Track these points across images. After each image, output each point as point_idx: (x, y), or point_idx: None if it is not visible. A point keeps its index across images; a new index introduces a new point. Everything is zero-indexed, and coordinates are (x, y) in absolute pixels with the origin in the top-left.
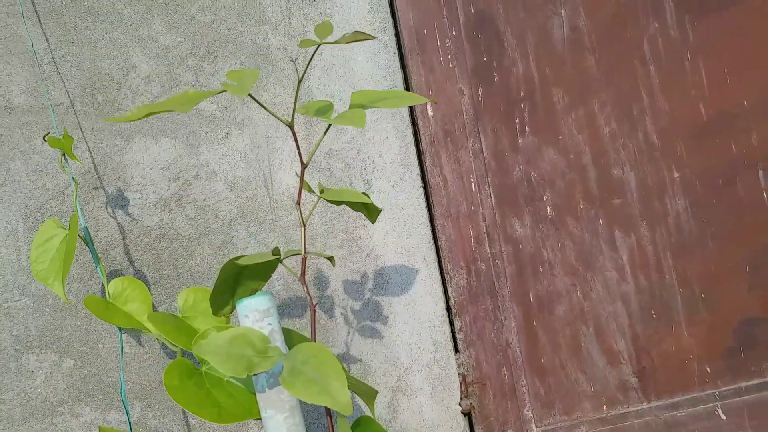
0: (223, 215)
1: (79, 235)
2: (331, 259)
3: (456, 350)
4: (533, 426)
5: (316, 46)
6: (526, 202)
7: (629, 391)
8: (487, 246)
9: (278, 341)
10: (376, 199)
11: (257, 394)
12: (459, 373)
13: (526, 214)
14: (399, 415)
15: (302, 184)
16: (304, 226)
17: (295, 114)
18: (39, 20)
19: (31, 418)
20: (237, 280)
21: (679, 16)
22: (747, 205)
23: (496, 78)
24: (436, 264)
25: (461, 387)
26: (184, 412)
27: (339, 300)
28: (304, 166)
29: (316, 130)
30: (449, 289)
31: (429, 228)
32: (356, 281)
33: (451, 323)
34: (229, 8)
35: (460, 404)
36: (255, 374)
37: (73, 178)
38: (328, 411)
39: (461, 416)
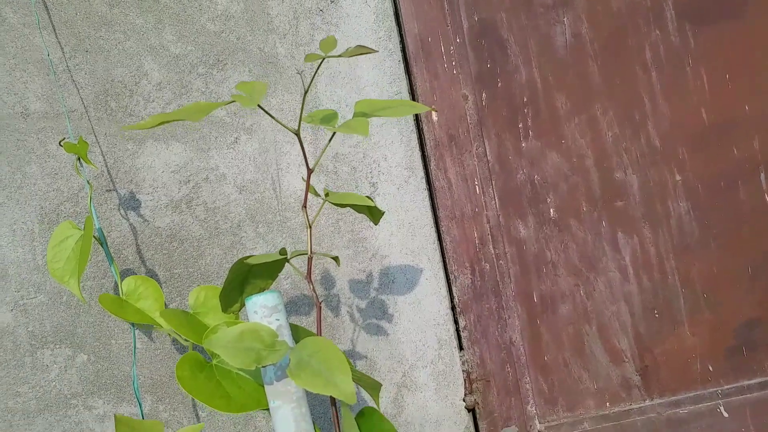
0: (232, 217)
1: (93, 236)
2: (336, 259)
3: (460, 348)
4: (536, 422)
5: (321, 59)
6: (529, 205)
7: (632, 388)
8: (491, 247)
9: (286, 336)
10: (381, 202)
11: (265, 386)
12: (463, 370)
13: (530, 216)
14: (404, 410)
15: (308, 188)
16: (310, 227)
17: (302, 122)
18: (54, 30)
19: (46, 410)
20: (246, 278)
21: (680, 23)
22: (748, 208)
23: (499, 84)
24: (440, 264)
25: (465, 383)
26: (194, 406)
27: (345, 299)
28: (310, 171)
29: (323, 135)
30: (454, 289)
31: (434, 229)
32: (362, 280)
33: (456, 322)
34: (238, 18)
35: (464, 400)
36: (263, 366)
37: (88, 181)
38: (333, 402)
39: (465, 412)
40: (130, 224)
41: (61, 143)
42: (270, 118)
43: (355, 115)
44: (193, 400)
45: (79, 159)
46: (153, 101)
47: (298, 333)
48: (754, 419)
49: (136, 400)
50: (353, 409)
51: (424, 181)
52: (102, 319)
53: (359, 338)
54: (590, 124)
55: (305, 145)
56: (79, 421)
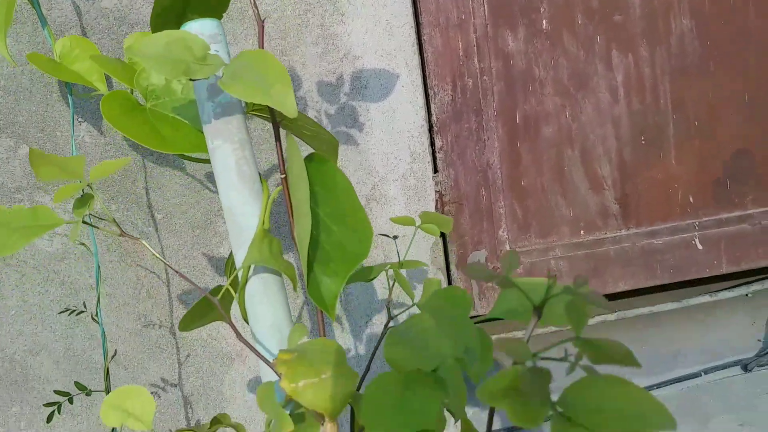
0: None
1: None
2: None
3: (435, 170)
4: (507, 247)
5: None
6: (521, 13)
7: (609, 217)
8: (476, 60)
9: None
10: None
11: (204, 127)
12: (436, 191)
13: (521, 27)
14: (372, 222)
15: None
16: None
17: None
18: None
19: None
20: (183, 13)
21: None
22: (757, 31)
23: None
24: (418, 71)
25: (437, 205)
26: (149, 206)
27: (312, 103)
28: None
29: None
30: (432, 106)
31: (413, 30)
32: (331, 83)
33: (432, 143)
34: None
35: None
36: (194, 80)
37: None
38: (276, 129)
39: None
40: (73, 2)
41: None
42: None
43: None
44: (148, 199)
45: None
46: None
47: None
48: (727, 252)
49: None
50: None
51: None
52: (45, 109)
53: None
54: None
55: None
56: None
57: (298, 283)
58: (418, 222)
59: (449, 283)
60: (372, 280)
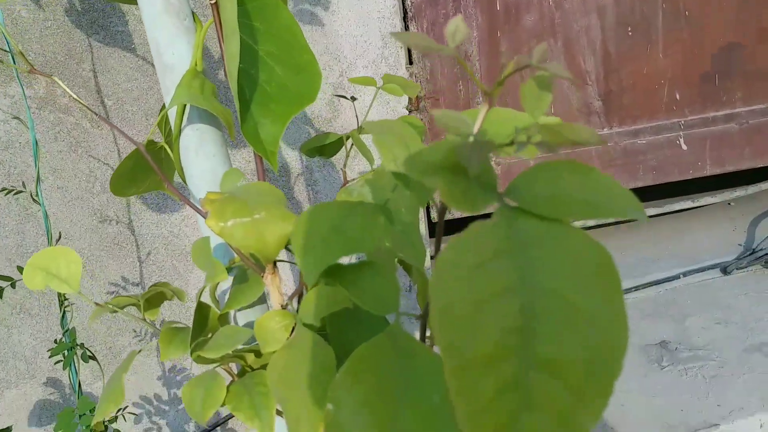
0: None
1: None
2: None
3: (410, 61)
4: None
5: None
6: None
7: (591, 115)
8: None
9: None
10: None
11: None
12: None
13: None
14: (340, 115)
15: None
16: None
17: None
18: None
19: None
20: None
21: None
22: None
23: None
24: None
25: (411, 100)
26: (98, 91)
27: None
28: None
29: None
30: None
31: None
32: None
33: (407, 29)
34: None
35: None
36: None
37: None
38: None
39: None
40: None
41: None
42: None
43: None
44: (96, 83)
45: None
46: None
47: None
48: (712, 152)
49: (18, 83)
50: None
51: None
52: None
53: None
54: None
55: None
56: None
57: (234, 130)
58: (380, 83)
59: None
60: (330, 146)
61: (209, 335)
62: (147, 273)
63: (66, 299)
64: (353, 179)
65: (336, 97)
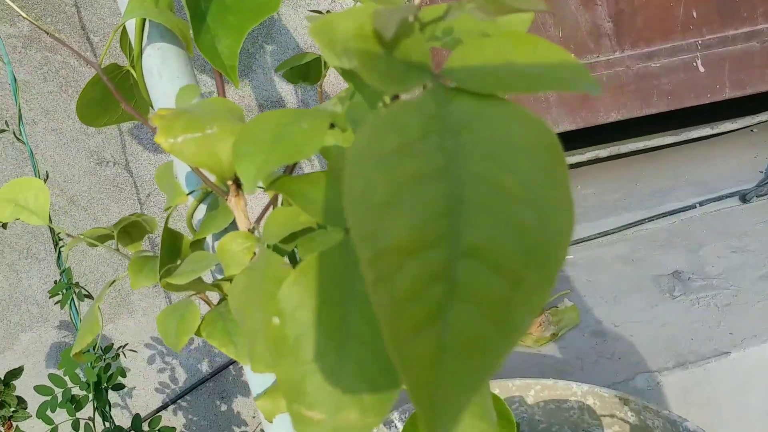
0: None
1: None
2: None
3: None
4: None
5: None
6: None
7: (602, 37)
8: None
9: None
10: None
11: None
12: None
13: None
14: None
15: None
16: None
17: None
18: None
19: None
20: None
21: None
22: None
23: None
24: None
25: None
26: (82, 27)
27: None
28: None
29: None
30: None
31: None
32: None
33: None
34: None
35: None
36: None
37: None
38: None
39: None
40: None
41: None
42: None
43: None
44: (80, 19)
45: None
46: None
47: None
48: (732, 74)
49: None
50: None
51: None
52: None
53: None
54: None
55: None
56: None
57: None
58: None
59: None
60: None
61: (178, 263)
62: (148, 214)
63: (60, 239)
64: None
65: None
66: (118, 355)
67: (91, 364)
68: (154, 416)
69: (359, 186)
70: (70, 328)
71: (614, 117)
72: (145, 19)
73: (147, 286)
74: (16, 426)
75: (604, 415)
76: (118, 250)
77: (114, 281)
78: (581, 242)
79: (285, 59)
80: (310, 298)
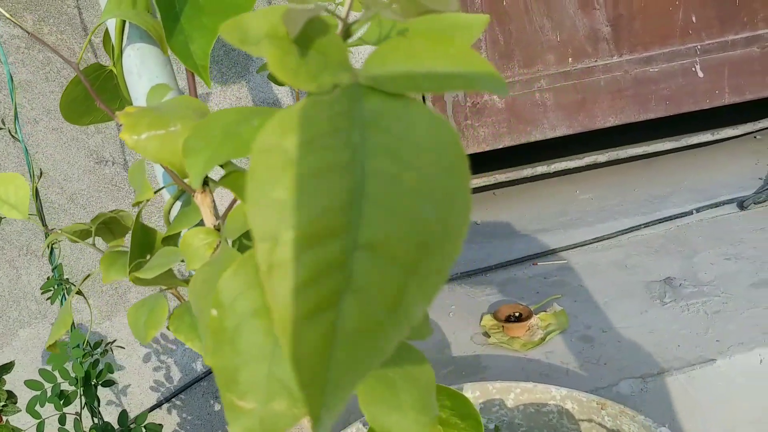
0: None
1: None
2: None
3: None
4: None
5: None
6: None
7: (600, 42)
8: None
9: None
10: None
11: None
12: None
13: None
14: None
15: None
16: None
17: None
18: None
19: None
20: None
21: None
22: None
23: None
24: None
25: None
26: (83, 28)
27: None
28: None
29: None
30: None
31: None
32: None
33: None
34: None
35: None
36: None
37: None
38: None
39: None
40: None
41: None
42: None
43: None
44: (82, 20)
45: None
46: None
47: None
48: (731, 80)
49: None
50: None
51: None
52: None
53: None
54: None
55: None
56: None
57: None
58: None
59: None
60: None
61: (148, 257)
62: (146, 214)
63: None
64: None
65: None
66: (106, 351)
67: (79, 359)
68: (140, 413)
69: (261, 182)
70: None
71: (612, 122)
72: (124, 20)
73: (118, 279)
74: (6, 420)
75: (582, 420)
76: (94, 245)
77: (89, 275)
78: (576, 247)
79: None
80: (249, 289)
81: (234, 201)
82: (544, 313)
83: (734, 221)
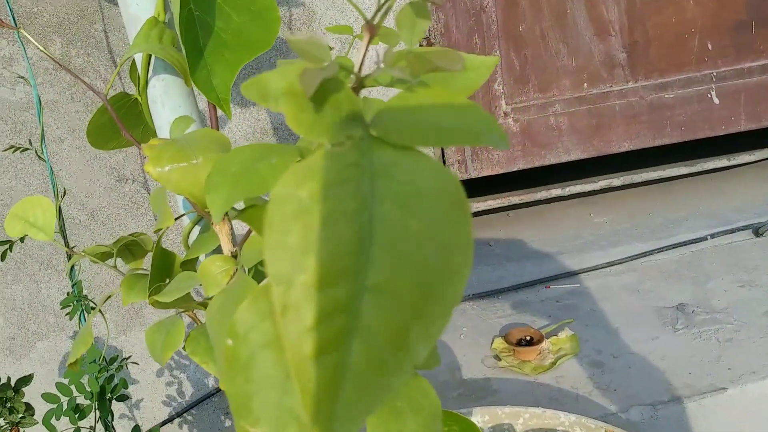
0: None
1: None
2: None
3: None
4: (503, 103)
5: None
6: None
7: (615, 68)
8: None
9: None
10: None
11: None
12: (423, 37)
13: None
14: None
15: None
16: None
17: None
18: None
19: None
20: None
21: None
22: None
23: None
24: None
25: None
26: (109, 51)
27: None
28: None
29: None
30: None
31: None
32: None
33: None
34: None
35: None
36: None
37: None
38: None
39: None
40: None
41: None
42: None
43: None
44: (108, 43)
45: None
46: None
47: None
48: (747, 107)
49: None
50: None
51: None
52: None
53: None
54: None
55: None
56: None
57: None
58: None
59: (443, 155)
60: None
61: (167, 281)
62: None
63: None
64: None
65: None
66: (121, 366)
67: (95, 374)
68: (152, 427)
69: (277, 229)
70: None
71: (626, 147)
72: (150, 54)
73: (136, 301)
74: None
75: None
76: (115, 267)
77: (110, 295)
78: (589, 271)
79: None
80: (263, 321)
81: (250, 230)
82: (555, 337)
83: (749, 248)
